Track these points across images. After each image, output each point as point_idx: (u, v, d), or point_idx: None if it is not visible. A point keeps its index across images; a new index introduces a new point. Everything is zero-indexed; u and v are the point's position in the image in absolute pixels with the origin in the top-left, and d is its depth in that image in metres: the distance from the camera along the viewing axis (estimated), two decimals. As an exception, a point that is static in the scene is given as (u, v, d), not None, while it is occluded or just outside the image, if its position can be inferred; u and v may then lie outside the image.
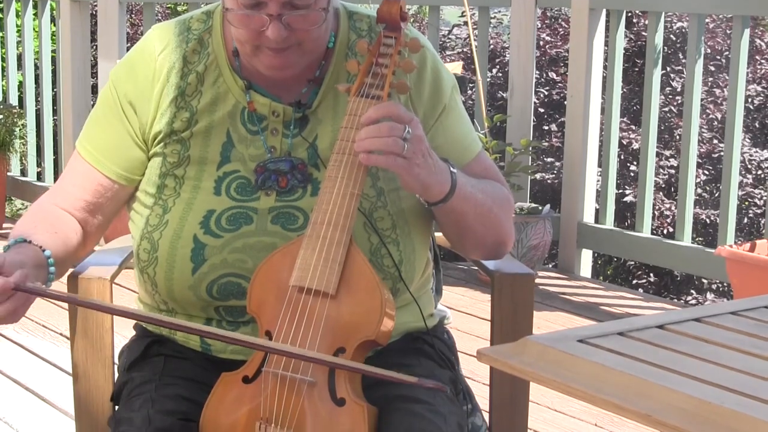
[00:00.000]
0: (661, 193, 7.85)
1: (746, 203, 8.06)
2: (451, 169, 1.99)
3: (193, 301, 2.00)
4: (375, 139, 1.88)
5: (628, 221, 7.53)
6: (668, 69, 8.01)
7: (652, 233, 5.65)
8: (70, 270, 2.15)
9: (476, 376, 3.29)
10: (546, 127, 8.11)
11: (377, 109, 1.91)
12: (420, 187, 1.95)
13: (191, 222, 2.01)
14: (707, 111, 7.91)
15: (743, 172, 7.79)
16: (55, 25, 7.44)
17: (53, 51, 7.31)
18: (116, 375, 2.15)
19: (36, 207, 2.14)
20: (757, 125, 8.44)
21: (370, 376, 1.87)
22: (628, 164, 7.94)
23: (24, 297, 1.85)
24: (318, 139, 2.06)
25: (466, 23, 6.90)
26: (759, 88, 8.38)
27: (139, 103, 2.08)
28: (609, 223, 5.68)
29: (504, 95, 7.55)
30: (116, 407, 2.10)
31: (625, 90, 5.92)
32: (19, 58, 7.32)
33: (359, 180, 1.93)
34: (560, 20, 8.58)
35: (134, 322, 2.18)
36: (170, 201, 2.04)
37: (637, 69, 7.95)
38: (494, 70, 8.14)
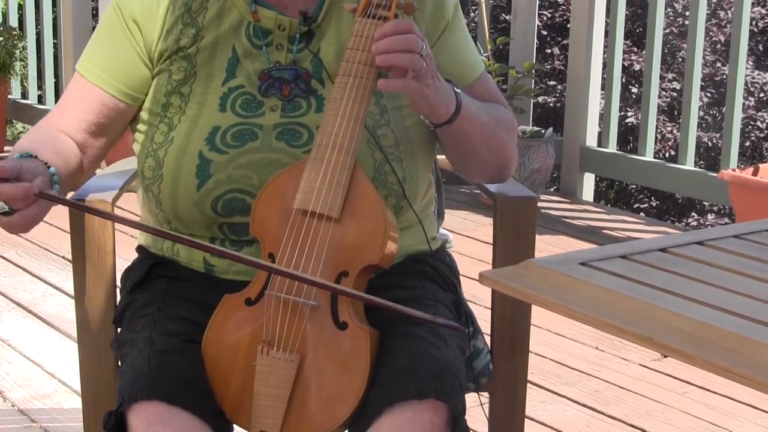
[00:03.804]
0: (663, 116, 7.83)
1: (749, 127, 8.04)
2: (455, 89, 1.98)
3: (198, 218, 2.00)
4: (399, 54, 1.86)
5: (631, 145, 7.52)
6: (672, -9, 7.96)
7: (655, 157, 5.65)
8: (71, 193, 2.15)
9: (478, 300, 3.30)
10: (548, 51, 8.07)
11: (399, 23, 1.88)
12: (428, 107, 1.94)
13: (196, 138, 2.00)
14: (710, 33, 7.86)
15: (746, 96, 7.76)
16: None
17: (52, -28, 7.26)
18: (119, 298, 2.16)
19: (36, 128, 2.12)
20: (761, 48, 8.39)
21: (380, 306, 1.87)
22: (630, 87, 7.90)
23: (44, 204, 1.84)
24: (320, 52, 2.04)
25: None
26: (764, 11, 8.32)
27: (144, 22, 2.06)
28: (611, 147, 5.67)
29: (507, 18, 7.50)
30: (119, 329, 2.11)
31: (627, 12, 5.87)
32: (19, -20, 7.28)
33: (364, 103, 1.92)
34: (564, -59, 8.51)
35: (136, 244, 2.18)
36: (175, 119, 2.03)
37: (640, -10, 7.89)
38: (497, -8, 8.09)
